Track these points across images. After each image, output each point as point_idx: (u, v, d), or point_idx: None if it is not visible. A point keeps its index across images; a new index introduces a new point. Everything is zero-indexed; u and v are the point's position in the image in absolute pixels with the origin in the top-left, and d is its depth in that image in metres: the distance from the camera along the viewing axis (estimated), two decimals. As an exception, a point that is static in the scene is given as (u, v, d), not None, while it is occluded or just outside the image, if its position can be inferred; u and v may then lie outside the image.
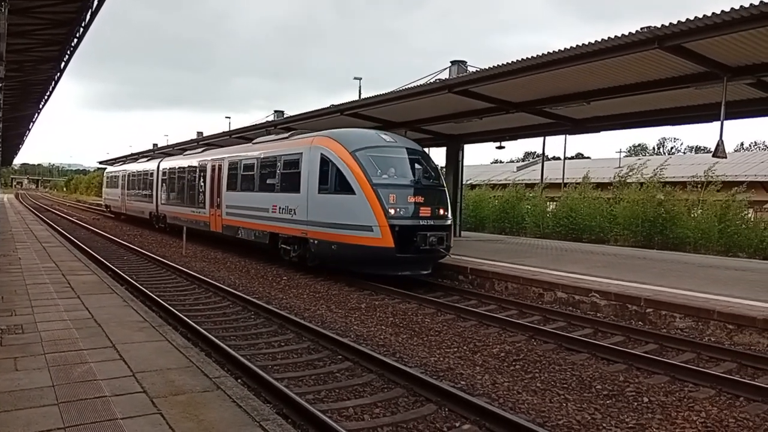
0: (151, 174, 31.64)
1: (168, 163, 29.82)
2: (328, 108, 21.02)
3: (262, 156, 19.10)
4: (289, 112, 35.75)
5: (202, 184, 23.61)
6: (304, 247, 16.30)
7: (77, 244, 20.47)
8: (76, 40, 17.80)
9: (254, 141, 21.24)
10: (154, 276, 15.76)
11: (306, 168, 16.04)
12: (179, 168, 27.48)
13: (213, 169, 22.68)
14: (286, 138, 18.85)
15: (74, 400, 5.12)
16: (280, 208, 17.22)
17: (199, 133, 44.17)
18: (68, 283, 11.19)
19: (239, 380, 6.95)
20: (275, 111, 38.17)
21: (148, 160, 35.95)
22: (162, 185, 29.79)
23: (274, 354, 8.76)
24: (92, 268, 13.64)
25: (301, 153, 16.47)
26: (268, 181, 18.42)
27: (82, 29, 16.55)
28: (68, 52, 19.58)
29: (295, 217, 16.33)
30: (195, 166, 25.13)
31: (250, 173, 19.56)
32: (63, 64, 21.60)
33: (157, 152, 42.86)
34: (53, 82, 26.25)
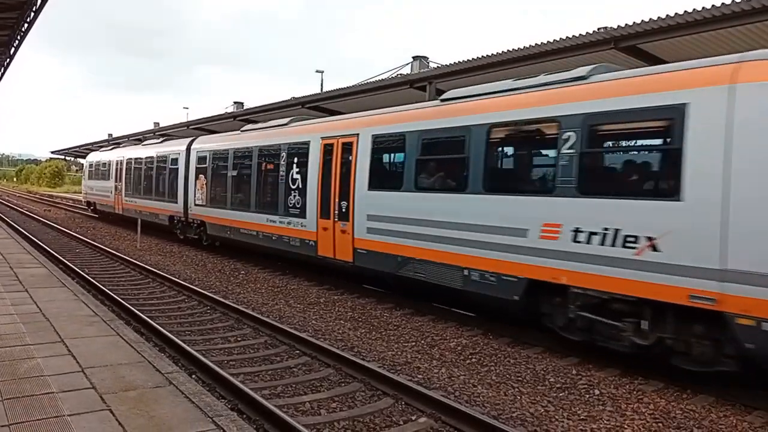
0: (175, 160, 21.90)
1: (210, 145, 20.11)
2: (288, 100, 20.90)
3: (491, 123, 9.83)
4: (249, 102, 35.43)
5: (299, 177, 14.57)
6: (702, 330, 7.30)
7: (27, 236, 19.82)
8: (26, 24, 17.22)
9: (444, 97, 11.53)
10: (106, 269, 15.38)
11: (715, 137, 7.10)
12: (239, 151, 17.77)
13: (329, 153, 13.56)
14: (584, 79, 8.86)
15: (20, 397, 4.97)
16: (577, 230, 8.28)
17: (156, 123, 43.29)
18: (16, 276, 10.83)
19: (193, 376, 6.88)
20: (235, 102, 37.75)
21: (162, 142, 25.89)
22: (198, 177, 19.98)
23: (230, 349, 8.66)
24: (42, 260, 13.25)
25: (683, 106, 7.39)
26: (516, 174, 10.30)
27: (33, 13, 16.02)
28: (18, 37, 18.93)
29: (659, 256, 7.42)
30: (277, 147, 15.73)
31: (453, 157, 10.73)
32: (13, 49, 20.90)
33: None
34: (3, 69, 25.36)
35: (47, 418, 4.55)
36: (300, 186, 14.38)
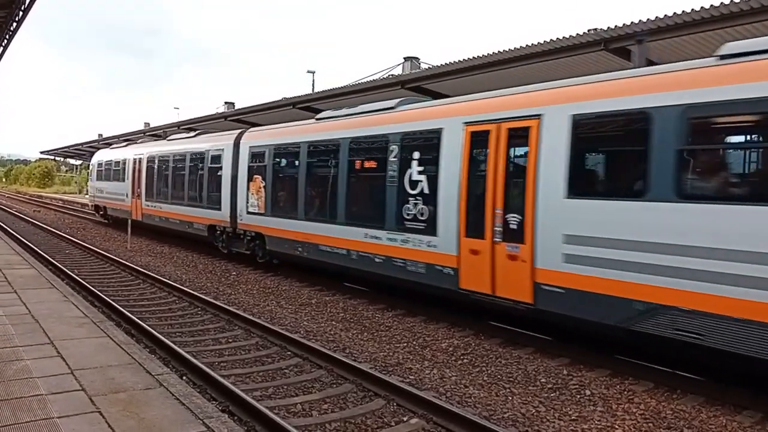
0: (217, 158, 18.12)
1: (270, 138, 15.86)
2: (279, 101, 20.89)
3: None
4: (240, 102, 35.36)
5: (423, 178, 10.71)
6: None
7: (16, 237, 19.67)
8: (15, 24, 17.08)
9: (727, 53, 7.22)
10: (96, 270, 15.28)
11: None
12: (318, 145, 13.82)
13: (481, 143, 9.72)
14: None
15: (8, 399, 4.93)
16: None
17: (146, 124, 43.15)
18: (5, 277, 10.75)
19: (184, 377, 6.84)
20: (226, 102, 37.70)
21: (195, 136, 21.87)
22: (252, 179, 16.03)
23: (221, 350, 8.62)
24: (31, 261, 13.17)
25: None
26: None
27: (21, 12, 15.90)
28: (6, 37, 18.78)
29: None
30: (382, 139, 11.77)
31: None
32: (1, 49, 20.72)
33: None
34: (-9, 68, 25.14)
35: (36, 420, 4.51)
36: (426, 190, 10.57)
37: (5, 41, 19.41)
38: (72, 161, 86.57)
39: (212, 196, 18.17)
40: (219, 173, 17.77)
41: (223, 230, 17.52)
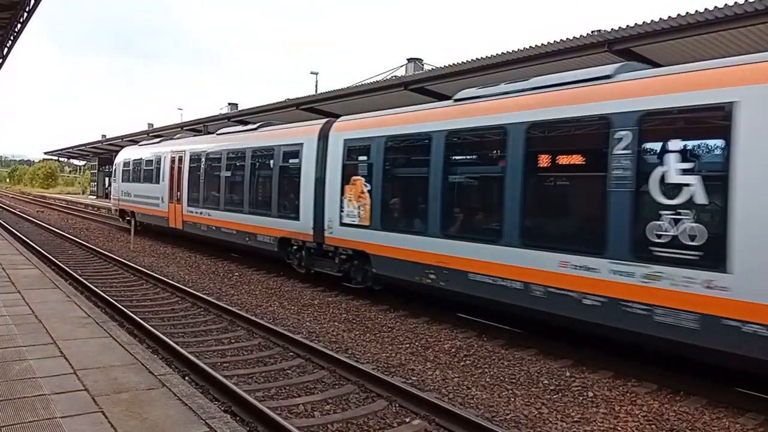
0: (292, 155, 14.92)
1: (379, 128, 12.28)
2: (283, 102, 20.92)
3: None
4: (243, 103, 35.44)
5: None
6: None
7: (19, 237, 19.73)
8: (19, 25, 17.14)
9: None
10: (99, 271, 15.31)
11: None
12: (468, 135, 10.46)
13: None
14: None
15: (11, 399, 4.94)
16: None
17: (150, 125, 43.27)
18: (8, 277, 10.78)
19: (186, 378, 6.85)
20: (229, 103, 37.75)
21: (257, 128, 17.55)
22: (350, 182, 12.60)
23: (223, 351, 8.63)
24: (34, 262, 13.20)
25: None
26: None
27: (26, 14, 15.95)
28: (11, 38, 18.84)
29: None
30: (625, 120, 7.71)
31: None
32: (6, 50, 20.80)
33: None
34: (-5, 69, 25.21)
35: (39, 420, 4.53)
36: (700, 200, 6.95)
37: (9, 42, 19.47)
38: (75, 162, 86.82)
39: (286, 203, 14.95)
40: (296, 173, 14.49)
41: (302, 245, 14.17)
